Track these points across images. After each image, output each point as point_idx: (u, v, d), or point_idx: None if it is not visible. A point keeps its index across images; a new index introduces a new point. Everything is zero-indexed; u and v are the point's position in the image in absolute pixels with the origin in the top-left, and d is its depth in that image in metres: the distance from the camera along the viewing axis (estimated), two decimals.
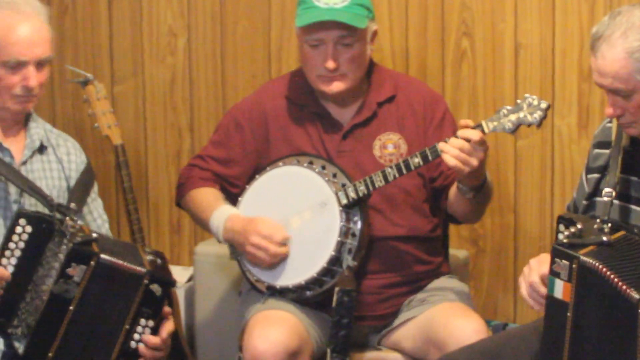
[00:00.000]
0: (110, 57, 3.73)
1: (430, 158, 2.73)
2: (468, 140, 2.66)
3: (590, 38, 2.41)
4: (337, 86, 2.87)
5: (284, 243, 2.82)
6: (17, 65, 2.65)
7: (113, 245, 2.67)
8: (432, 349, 2.76)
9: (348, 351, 2.73)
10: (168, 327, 2.65)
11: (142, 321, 2.60)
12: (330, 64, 2.84)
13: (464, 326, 2.73)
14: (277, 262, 2.83)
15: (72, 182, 2.81)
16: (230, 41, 3.63)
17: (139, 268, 2.59)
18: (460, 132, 2.69)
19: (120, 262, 2.57)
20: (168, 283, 2.65)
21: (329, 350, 2.71)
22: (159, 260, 2.67)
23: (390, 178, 2.78)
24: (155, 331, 2.62)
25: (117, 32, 3.72)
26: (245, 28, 3.61)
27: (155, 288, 2.60)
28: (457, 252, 3.34)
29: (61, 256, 2.54)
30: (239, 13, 3.61)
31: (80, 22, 3.74)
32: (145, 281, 2.58)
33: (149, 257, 2.66)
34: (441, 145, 2.69)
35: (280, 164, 2.90)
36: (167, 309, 2.65)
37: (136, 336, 2.60)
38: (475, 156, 2.67)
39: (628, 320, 2.20)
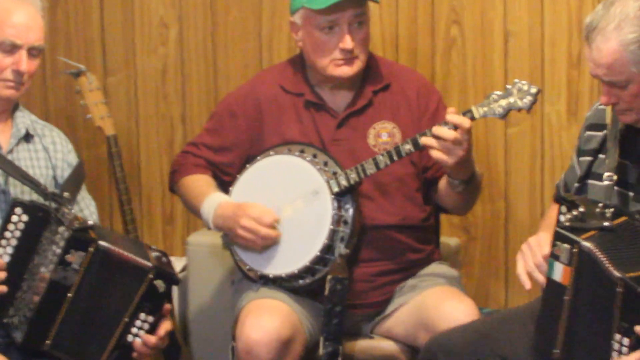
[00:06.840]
0: (102, 49, 3.73)
1: (421, 144, 2.73)
2: (456, 128, 2.66)
3: (584, 28, 2.39)
4: (351, 70, 2.87)
5: (274, 226, 2.82)
6: (11, 49, 2.67)
7: (120, 240, 2.67)
8: (422, 332, 2.76)
9: (341, 339, 2.73)
10: (166, 326, 2.65)
11: (142, 315, 2.60)
12: (349, 44, 2.83)
13: (455, 308, 2.74)
14: (269, 245, 2.83)
15: (58, 171, 2.81)
16: (222, 31, 3.63)
17: (145, 262, 2.60)
18: (449, 117, 2.67)
19: (125, 253, 2.58)
20: (172, 280, 2.66)
21: (322, 339, 2.71)
22: (164, 258, 2.69)
23: (382, 165, 2.78)
24: (153, 327, 2.62)
25: (109, 24, 3.71)
26: (236, 18, 3.62)
27: (159, 284, 2.61)
28: (448, 239, 3.34)
29: (58, 244, 2.54)
30: (230, 3, 3.61)
31: (72, 13, 3.73)
32: (150, 276, 2.59)
33: (155, 254, 2.67)
34: (424, 140, 2.68)
35: (272, 152, 2.90)
36: (167, 306, 2.66)
37: (134, 330, 2.61)
38: (460, 146, 2.66)
39: (610, 298, 2.19)
